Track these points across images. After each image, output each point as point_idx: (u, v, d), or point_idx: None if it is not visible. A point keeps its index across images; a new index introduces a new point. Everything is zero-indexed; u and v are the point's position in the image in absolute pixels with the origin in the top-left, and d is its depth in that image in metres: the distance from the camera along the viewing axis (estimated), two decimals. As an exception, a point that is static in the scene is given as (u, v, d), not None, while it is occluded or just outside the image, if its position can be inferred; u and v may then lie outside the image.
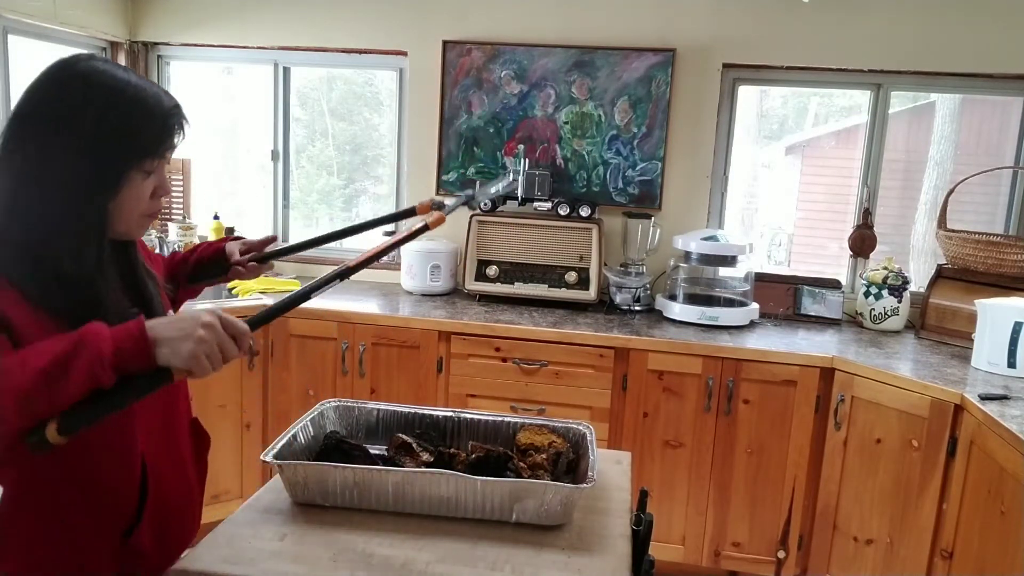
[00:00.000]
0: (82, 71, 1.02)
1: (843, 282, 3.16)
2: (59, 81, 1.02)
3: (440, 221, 1.23)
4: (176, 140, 1.08)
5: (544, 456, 1.30)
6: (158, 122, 1.04)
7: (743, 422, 2.64)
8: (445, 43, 3.25)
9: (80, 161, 1.00)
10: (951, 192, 2.94)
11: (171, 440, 1.22)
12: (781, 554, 2.69)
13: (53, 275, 1.00)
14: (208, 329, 0.93)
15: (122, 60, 3.47)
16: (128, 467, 1.11)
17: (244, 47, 3.44)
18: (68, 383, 0.88)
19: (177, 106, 1.08)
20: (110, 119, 1.00)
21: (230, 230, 3.40)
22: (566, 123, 3.23)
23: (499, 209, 3.09)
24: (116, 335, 0.91)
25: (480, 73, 3.24)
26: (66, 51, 3.60)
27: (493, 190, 1.27)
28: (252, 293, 3.01)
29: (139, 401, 0.96)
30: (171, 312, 1.27)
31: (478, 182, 1.41)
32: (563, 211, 3.03)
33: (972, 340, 2.53)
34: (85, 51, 1.14)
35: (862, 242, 3.18)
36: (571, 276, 3.02)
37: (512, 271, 3.05)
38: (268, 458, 1.20)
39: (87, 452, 1.06)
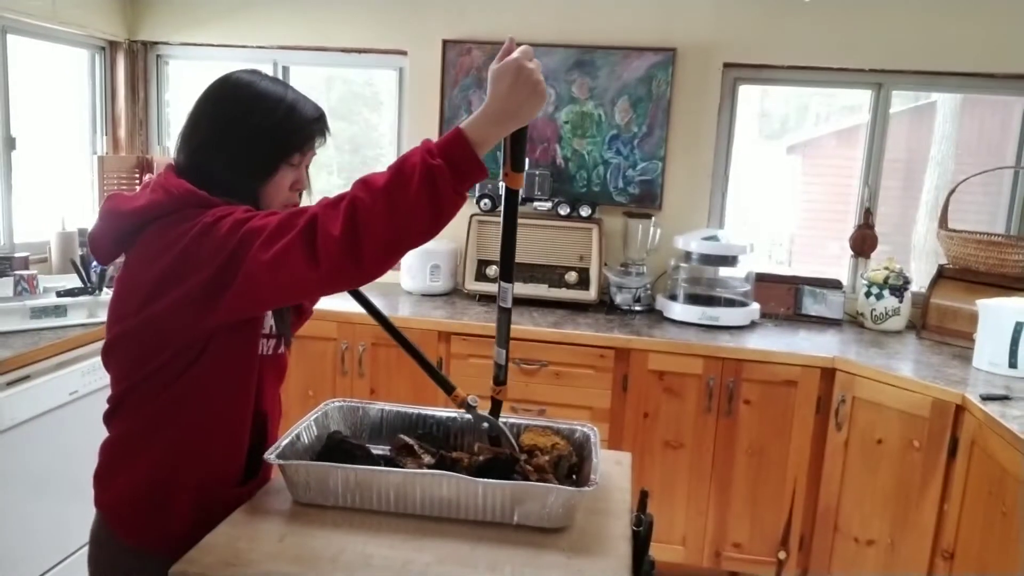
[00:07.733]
0: (244, 81, 1.26)
1: (844, 282, 3.15)
2: (232, 85, 1.26)
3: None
4: (318, 144, 1.32)
5: (548, 458, 1.30)
6: (307, 127, 1.27)
7: (744, 423, 2.64)
8: (445, 42, 3.24)
9: (242, 152, 1.23)
10: (952, 192, 2.93)
11: (279, 405, 1.46)
12: (782, 555, 2.68)
13: None
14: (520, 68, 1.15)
15: (121, 60, 3.47)
16: (242, 425, 1.27)
17: (243, 46, 3.43)
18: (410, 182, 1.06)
19: (322, 116, 1.31)
20: (270, 122, 1.23)
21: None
22: (566, 123, 3.22)
23: (499, 209, 3.09)
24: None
25: (480, 72, 3.24)
26: (65, 50, 3.57)
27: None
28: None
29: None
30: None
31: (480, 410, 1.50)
32: (563, 211, 3.02)
33: (973, 340, 2.52)
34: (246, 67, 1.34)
35: (863, 242, 3.17)
36: (571, 276, 3.02)
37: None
38: (271, 458, 1.20)
39: (205, 406, 1.22)
